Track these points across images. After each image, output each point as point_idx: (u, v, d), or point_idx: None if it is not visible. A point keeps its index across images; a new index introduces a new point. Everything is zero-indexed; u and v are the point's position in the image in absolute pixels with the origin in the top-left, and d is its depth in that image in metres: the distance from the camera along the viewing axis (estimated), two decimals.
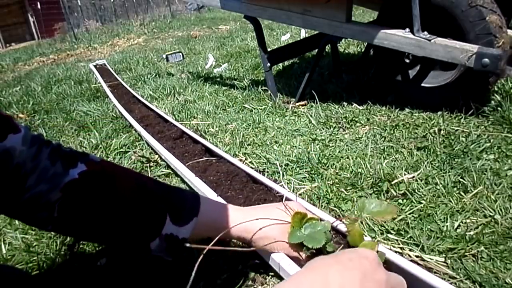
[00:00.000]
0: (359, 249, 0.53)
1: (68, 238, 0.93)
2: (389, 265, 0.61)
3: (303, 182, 1.06)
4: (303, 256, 0.65)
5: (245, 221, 0.64)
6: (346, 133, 1.35)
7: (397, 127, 1.31)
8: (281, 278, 0.68)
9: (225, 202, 0.74)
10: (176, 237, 0.58)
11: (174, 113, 1.88)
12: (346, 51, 2.66)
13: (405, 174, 0.99)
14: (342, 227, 0.71)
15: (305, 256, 0.65)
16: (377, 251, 0.60)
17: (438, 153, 1.09)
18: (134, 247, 0.58)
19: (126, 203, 0.56)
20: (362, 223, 0.63)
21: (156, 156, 1.37)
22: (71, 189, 0.52)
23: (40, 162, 0.51)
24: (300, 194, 1.00)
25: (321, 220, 0.69)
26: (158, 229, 0.57)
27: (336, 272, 0.43)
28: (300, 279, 0.44)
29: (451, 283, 0.64)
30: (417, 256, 0.72)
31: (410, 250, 0.74)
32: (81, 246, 0.91)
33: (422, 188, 0.93)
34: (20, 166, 0.49)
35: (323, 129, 1.41)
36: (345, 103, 1.60)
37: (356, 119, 1.44)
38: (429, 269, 0.69)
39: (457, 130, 1.21)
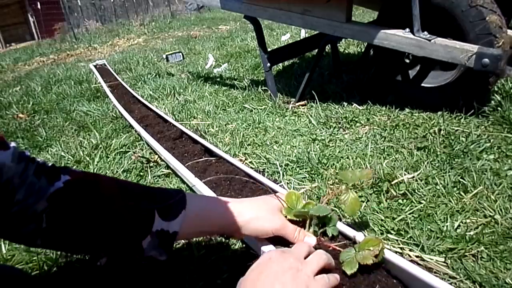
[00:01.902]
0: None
1: None
2: (389, 265, 0.62)
3: (303, 182, 1.06)
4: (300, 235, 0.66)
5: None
6: (346, 133, 1.35)
7: (397, 127, 1.31)
8: None
9: (213, 196, 0.74)
10: (167, 232, 0.59)
11: (174, 113, 1.88)
12: (346, 51, 2.66)
13: (405, 174, 0.99)
14: (347, 230, 0.71)
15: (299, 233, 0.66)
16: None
17: (438, 153, 1.09)
18: (127, 249, 0.58)
19: (113, 205, 0.57)
20: (353, 189, 0.68)
21: (156, 156, 1.37)
22: (57, 198, 0.53)
23: (27, 178, 0.52)
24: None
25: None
26: (148, 227, 0.57)
27: None
28: None
29: (451, 283, 0.65)
30: (417, 256, 0.72)
31: (410, 250, 0.74)
32: None
33: (422, 188, 0.93)
34: (9, 182, 0.50)
35: (323, 129, 1.41)
36: (345, 103, 1.60)
37: (356, 119, 1.44)
38: (429, 269, 0.69)
39: (457, 130, 1.21)
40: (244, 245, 0.82)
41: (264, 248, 0.66)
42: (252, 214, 0.64)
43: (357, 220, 0.85)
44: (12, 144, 0.54)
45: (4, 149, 0.51)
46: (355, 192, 0.71)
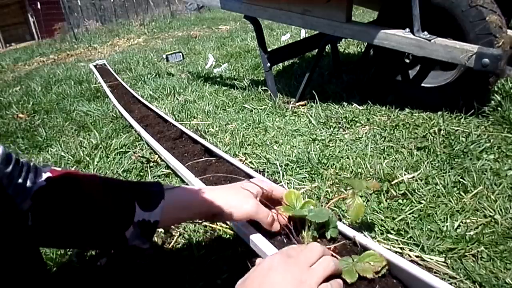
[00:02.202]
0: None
1: None
2: (389, 265, 0.62)
3: (303, 182, 1.06)
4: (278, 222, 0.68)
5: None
6: (346, 133, 1.35)
7: (397, 127, 1.31)
8: None
9: (189, 186, 0.76)
10: (148, 222, 0.61)
11: (174, 113, 1.88)
12: (346, 51, 2.66)
13: (405, 174, 0.99)
14: (347, 230, 0.71)
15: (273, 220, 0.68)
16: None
17: (438, 153, 1.09)
18: (111, 240, 0.61)
19: (95, 199, 0.59)
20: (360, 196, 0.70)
21: (156, 156, 1.37)
22: (40, 195, 0.55)
23: (14, 179, 0.54)
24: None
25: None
26: (130, 218, 0.60)
27: None
28: None
29: (451, 283, 0.65)
30: (417, 256, 0.72)
31: (410, 250, 0.74)
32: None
33: (422, 188, 0.93)
34: None
35: (323, 129, 1.41)
36: (345, 103, 1.60)
37: (356, 119, 1.44)
38: (429, 269, 0.69)
39: (457, 130, 1.21)
40: (244, 245, 0.82)
41: (252, 237, 0.68)
42: (225, 202, 0.67)
43: (357, 220, 0.85)
44: (1, 146, 0.55)
45: None
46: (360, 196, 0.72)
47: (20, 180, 0.55)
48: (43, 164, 0.61)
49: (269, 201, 0.72)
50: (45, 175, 0.58)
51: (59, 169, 0.62)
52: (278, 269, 0.52)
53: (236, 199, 0.67)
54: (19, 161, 0.58)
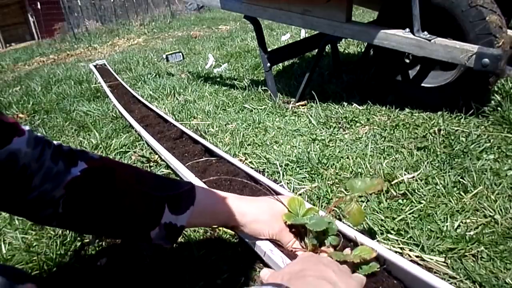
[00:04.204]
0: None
1: (69, 238, 0.93)
2: (390, 266, 0.62)
3: (303, 182, 1.06)
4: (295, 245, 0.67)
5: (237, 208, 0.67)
6: (346, 133, 1.35)
7: (397, 127, 1.31)
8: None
9: (221, 192, 0.75)
10: (174, 225, 0.61)
11: (174, 113, 1.88)
12: (346, 51, 2.66)
13: (405, 174, 0.99)
14: (347, 230, 0.71)
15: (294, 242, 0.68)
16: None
17: (438, 153, 1.09)
18: (136, 237, 0.61)
19: (127, 195, 0.59)
20: (357, 200, 0.68)
21: (156, 156, 1.37)
22: (74, 186, 0.55)
23: (44, 163, 0.53)
24: (300, 194, 1.00)
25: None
26: (157, 219, 0.60)
27: None
28: None
29: (451, 283, 0.65)
30: (417, 256, 0.72)
31: (410, 250, 0.74)
32: (84, 247, 0.91)
33: (422, 188, 0.93)
34: (26, 167, 0.51)
35: (323, 129, 1.41)
36: (345, 103, 1.60)
37: (356, 119, 1.44)
38: (429, 269, 0.69)
39: (457, 130, 1.21)
40: (244, 245, 0.82)
41: (259, 243, 0.68)
42: (254, 216, 0.66)
43: (358, 226, 0.85)
44: (27, 128, 0.54)
45: (19, 135, 0.52)
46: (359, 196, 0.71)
47: (51, 165, 0.54)
48: (80, 149, 0.60)
49: None
50: (81, 165, 0.57)
51: (97, 156, 0.61)
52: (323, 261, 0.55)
53: (265, 218, 0.67)
54: (51, 143, 0.57)
